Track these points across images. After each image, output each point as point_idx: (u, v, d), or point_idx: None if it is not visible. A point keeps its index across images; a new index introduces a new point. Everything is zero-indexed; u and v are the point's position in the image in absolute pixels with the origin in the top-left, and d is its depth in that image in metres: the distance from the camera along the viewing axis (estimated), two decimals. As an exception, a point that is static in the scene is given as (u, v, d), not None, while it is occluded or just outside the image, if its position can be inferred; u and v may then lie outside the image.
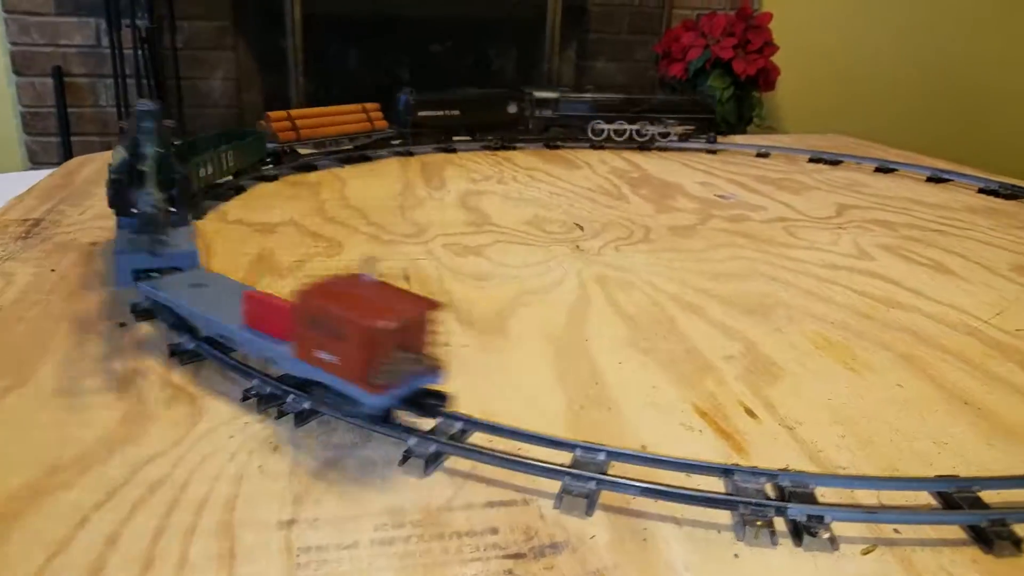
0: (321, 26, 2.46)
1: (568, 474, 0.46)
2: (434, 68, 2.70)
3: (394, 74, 2.65)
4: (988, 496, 0.48)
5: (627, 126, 1.57)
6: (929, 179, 1.37)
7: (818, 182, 1.32)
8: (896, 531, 0.45)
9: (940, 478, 0.48)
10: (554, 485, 0.46)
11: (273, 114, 1.32)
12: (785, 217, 1.09)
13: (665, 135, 1.59)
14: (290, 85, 2.44)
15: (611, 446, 0.49)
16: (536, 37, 2.65)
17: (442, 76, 2.69)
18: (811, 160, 1.49)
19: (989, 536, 0.43)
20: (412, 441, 0.48)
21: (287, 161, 1.26)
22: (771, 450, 0.52)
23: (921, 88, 2.86)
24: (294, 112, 1.35)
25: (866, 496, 0.48)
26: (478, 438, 0.51)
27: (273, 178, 1.17)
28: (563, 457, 0.48)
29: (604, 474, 0.46)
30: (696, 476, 0.48)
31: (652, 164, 1.43)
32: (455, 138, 1.49)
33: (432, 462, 0.47)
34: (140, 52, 2.32)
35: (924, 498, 0.48)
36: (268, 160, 1.24)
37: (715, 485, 0.48)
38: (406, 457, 0.47)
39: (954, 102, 2.87)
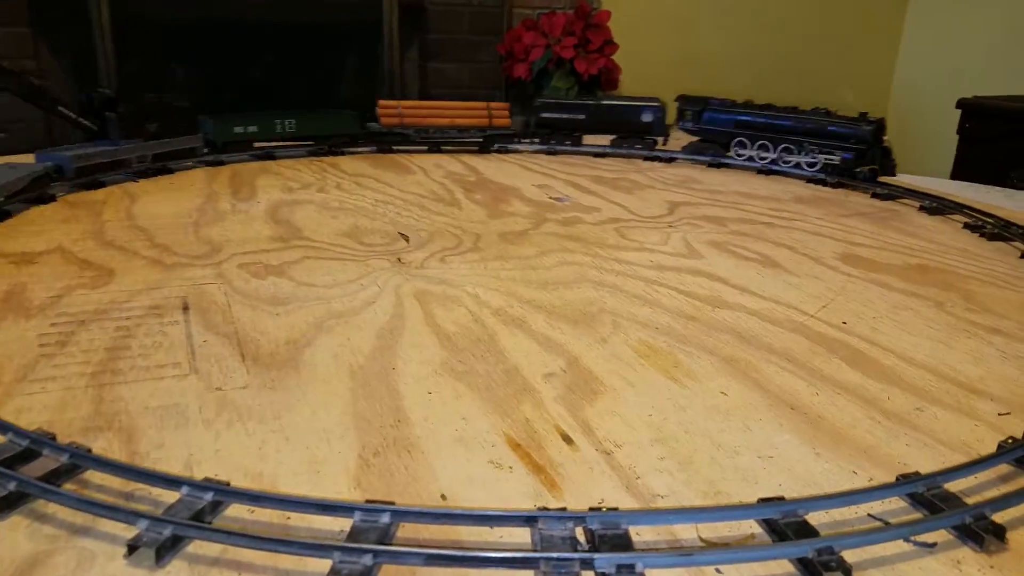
0: (135, 31, 2.25)
1: (339, 548, 0.37)
2: (265, 76, 2.54)
3: (220, 84, 2.46)
4: (816, 517, 0.44)
5: (770, 153, 1.37)
6: (760, 171, 1.38)
7: (652, 180, 1.31)
8: (718, 571, 0.40)
9: (764, 503, 0.44)
10: (324, 565, 0.38)
11: (383, 102, 1.48)
12: (618, 218, 1.06)
13: (812, 165, 1.35)
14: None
15: (401, 503, 0.42)
16: (374, 40, 2.55)
17: (276, 84, 2.53)
18: (647, 159, 1.48)
19: (817, 568, 0.39)
20: (142, 525, 0.38)
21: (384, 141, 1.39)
22: (586, 482, 0.46)
23: (753, 87, 2.98)
24: (405, 103, 1.50)
25: (686, 530, 0.43)
26: (237, 510, 0.42)
27: (51, 199, 1.02)
28: (342, 524, 0.40)
29: (386, 542, 0.39)
30: (500, 528, 0.42)
31: (490, 168, 1.37)
32: (521, 141, 1.54)
33: (168, 550, 0.38)
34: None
35: (748, 526, 0.43)
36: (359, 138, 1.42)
37: (521, 536, 0.41)
38: (132, 548, 0.38)
39: (792, 89, 3.00)
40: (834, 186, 1.30)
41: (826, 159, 1.33)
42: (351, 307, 0.70)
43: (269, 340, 0.63)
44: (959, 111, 2.23)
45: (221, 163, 1.26)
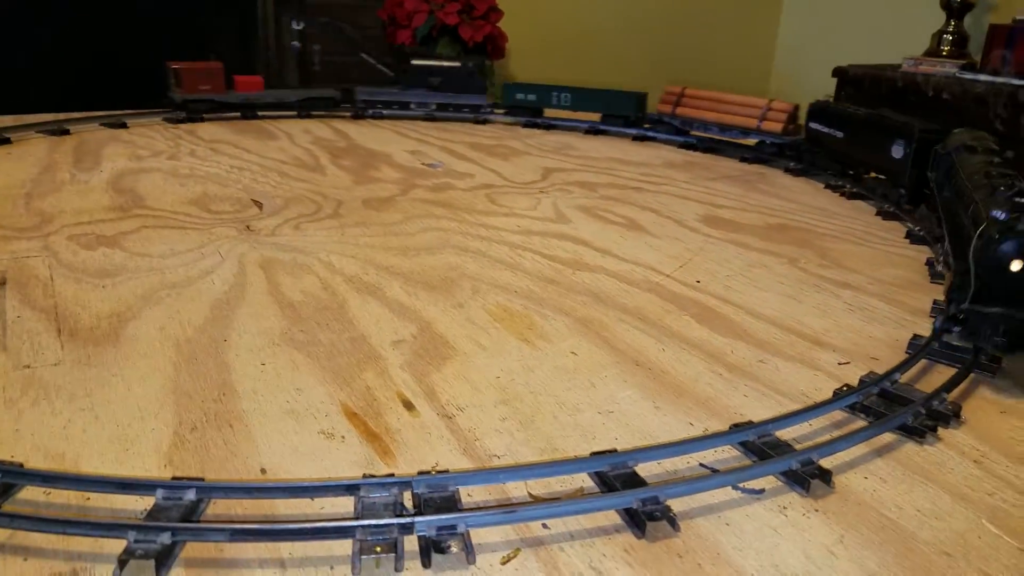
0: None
1: (134, 527, 0.35)
2: (130, 36, 2.37)
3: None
4: (649, 468, 0.44)
5: None
6: (635, 138, 1.40)
7: (529, 147, 1.30)
8: (544, 526, 0.39)
9: (595, 456, 0.43)
10: (119, 545, 0.35)
11: (669, 87, 1.44)
12: (490, 184, 1.04)
13: None
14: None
15: (212, 479, 0.39)
16: (245, 7, 2.42)
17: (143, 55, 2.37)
18: (526, 125, 1.47)
19: (642, 518, 0.39)
20: (-96, 515, 0.35)
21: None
22: (423, 447, 0.45)
23: (642, 47, 3.01)
24: (689, 90, 1.42)
25: (518, 488, 0.42)
26: (31, 492, 0.38)
27: None
28: (145, 503, 0.37)
29: (189, 520, 0.36)
30: (321, 499, 0.40)
31: (362, 133, 1.33)
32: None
33: (-64, 541, 0.34)
34: None
35: (580, 480, 0.43)
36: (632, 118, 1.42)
37: (344, 506, 0.39)
38: None
39: (673, 55, 3.04)
40: (704, 151, 1.32)
41: None
42: (186, 277, 0.66)
43: (90, 314, 0.58)
44: (835, 79, 2.32)
45: (66, 132, 1.17)
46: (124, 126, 1.23)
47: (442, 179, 1.06)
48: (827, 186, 1.13)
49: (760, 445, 0.46)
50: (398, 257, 0.75)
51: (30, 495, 0.38)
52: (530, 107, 1.49)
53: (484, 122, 1.49)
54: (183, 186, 0.93)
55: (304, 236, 0.79)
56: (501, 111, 1.52)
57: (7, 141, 1.09)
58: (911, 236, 0.90)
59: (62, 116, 1.22)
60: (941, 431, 0.49)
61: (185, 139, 1.19)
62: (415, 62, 1.52)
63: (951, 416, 0.50)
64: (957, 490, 0.44)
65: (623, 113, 1.44)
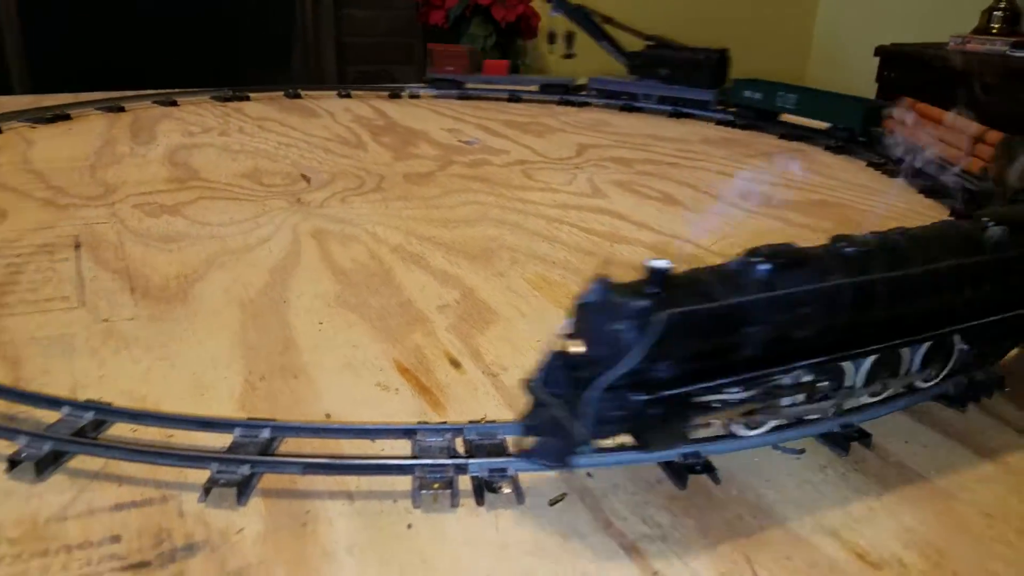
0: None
1: (216, 460, 0.39)
2: (177, 30, 2.43)
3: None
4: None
5: None
6: (671, 115, 1.41)
7: (563, 124, 1.32)
8: (589, 475, 0.42)
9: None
10: (203, 475, 0.39)
11: (920, 106, 1.12)
12: (525, 160, 1.07)
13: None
14: (10, 70, 2.09)
15: (282, 420, 0.43)
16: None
17: (188, 38, 2.43)
18: (560, 103, 1.49)
19: (683, 471, 0.42)
20: (22, 441, 0.39)
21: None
22: (470, 402, 0.48)
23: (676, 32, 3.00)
24: (923, 108, 1.12)
25: (560, 439, 0.45)
26: (120, 429, 0.42)
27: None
28: (224, 440, 0.41)
29: (265, 454, 0.40)
30: (381, 441, 0.43)
31: (400, 111, 1.36)
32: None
33: (49, 465, 0.38)
34: None
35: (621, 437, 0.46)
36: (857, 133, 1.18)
37: (401, 448, 0.43)
38: (13, 463, 0.38)
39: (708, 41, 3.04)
40: (743, 127, 1.33)
41: None
42: (245, 244, 0.70)
43: (160, 275, 0.62)
44: (878, 58, 2.26)
45: (121, 109, 1.22)
46: (175, 104, 1.28)
47: (478, 155, 1.09)
48: (868, 164, 1.13)
49: (796, 407, 0.49)
50: (439, 229, 0.78)
51: (118, 431, 0.42)
52: (756, 107, 1.34)
53: (518, 100, 1.52)
54: (235, 160, 0.97)
55: (351, 208, 0.83)
56: (725, 108, 1.40)
57: (67, 117, 1.14)
58: (955, 214, 0.91)
59: (115, 94, 1.27)
60: (984, 401, 0.50)
61: (233, 116, 1.23)
62: (646, 50, 1.47)
63: (993, 386, 0.51)
64: (999, 457, 0.45)
65: (848, 125, 1.21)
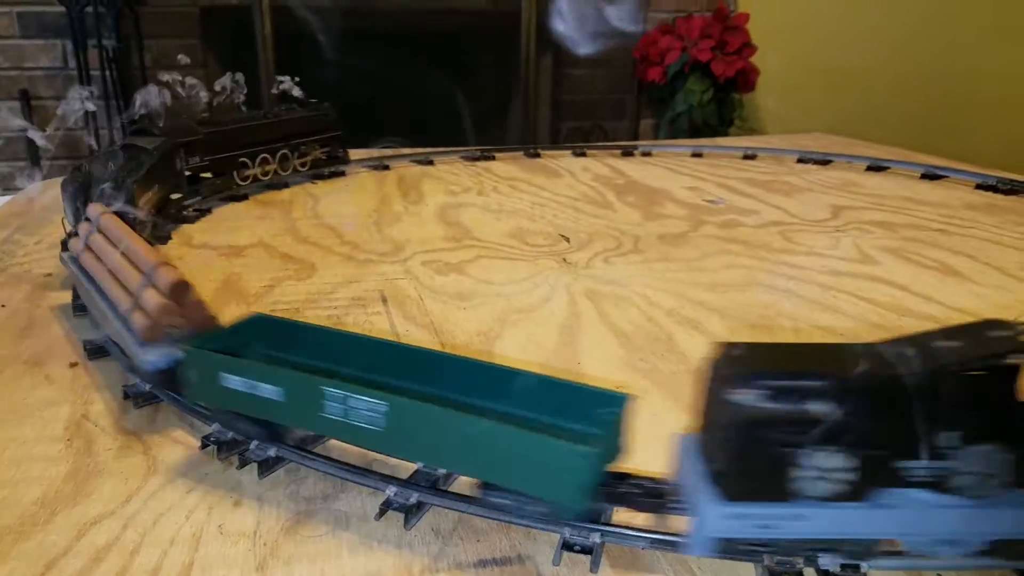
0: (294, 41, 2.40)
1: (569, 526, 0.40)
2: (407, 83, 2.64)
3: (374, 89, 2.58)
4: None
5: (271, 163, 1.14)
6: (924, 176, 1.33)
7: (809, 183, 1.28)
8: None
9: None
10: (553, 538, 0.40)
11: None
12: (779, 221, 1.05)
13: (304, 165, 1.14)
14: (262, 101, 2.38)
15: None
16: (510, 49, 2.60)
17: (416, 90, 2.63)
18: (799, 160, 1.45)
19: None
20: (391, 491, 0.43)
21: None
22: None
23: (902, 83, 2.84)
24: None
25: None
26: (462, 484, 0.45)
27: (242, 198, 1.11)
28: (564, 502, 0.43)
29: (609, 524, 0.41)
30: (711, 517, 0.43)
31: (636, 170, 1.38)
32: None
33: (413, 514, 0.42)
34: (108, 73, 2.25)
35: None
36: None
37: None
38: (383, 510, 0.42)
39: (935, 96, 2.85)
40: (1006, 192, 1.23)
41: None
42: (529, 303, 0.74)
43: (462, 331, 0.67)
44: None
45: (387, 167, 1.33)
46: (431, 163, 1.38)
47: (728, 216, 1.08)
48: None
49: None
50: (708, 293, 0.78)
51: (460, 487, 0.45)
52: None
53: (753, 157, 1.49)
54: (498, 220, 1.03)
55: (614, 269, 0.84)
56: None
57: (343, 174, 1.27)
58: None
59: (376, 153, 1.39)
60: None
61: (485, 176, 1.31)
62: None
63: None
64: None
65: None
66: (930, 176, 1.32)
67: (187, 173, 1.04)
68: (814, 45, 2.78)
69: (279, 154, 1.18)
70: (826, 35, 2.79)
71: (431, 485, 0.43)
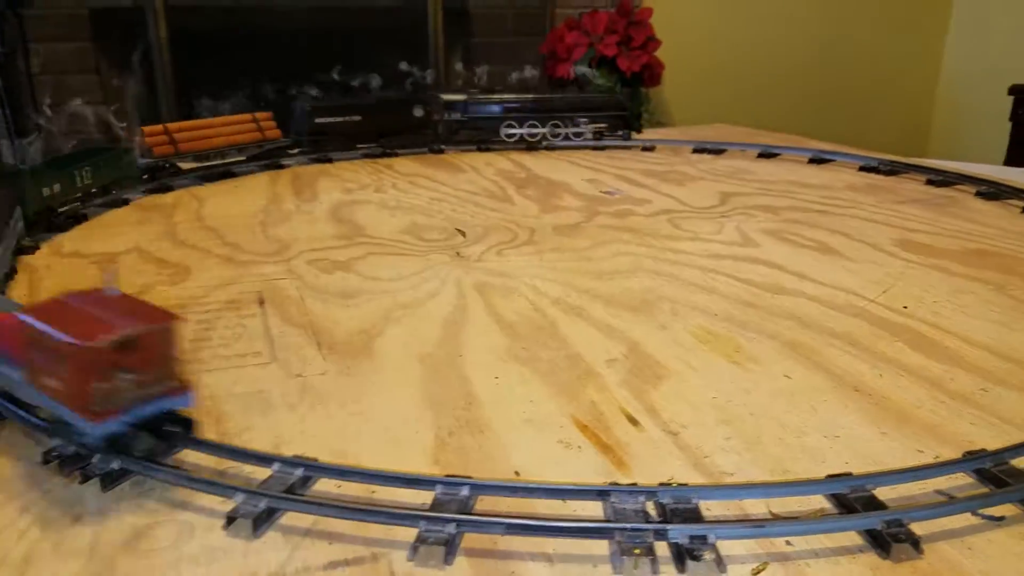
0: (189, 42, 2.32)
1: (424, 518, 0.40)
2: (310, 83, 2.59)
3: (278, 87, 2.52)
4: (884, 493, 0.44)
5: (540, 128, 1.52)
6: (811, 161, 1.38)
7: (702, 172, 1.31)
8: (788, 543, 0.41)
9: (832, 478, 0.44)
10: (410, 533, 0.40)
11: (147, 128, 1.25)
12: (670, 209, 1.07)
13: (579, 134, 1.54)
14: (160, 104, 2.29)
15: (478, 478, 0.44)
16: (418, 46, 2.58)
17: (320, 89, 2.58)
18: (695, 151, 1.48)
19: (886, 539, 0.40)
20: (239, 498, 0.41)
21: (163, 176, 1.17)
22: (654, 461, 0.48)
23: (796, 72, 2.94)
24: (171, 125, 1.27)
25: (756, 505, 0.44)
26: (325, 485, 0.44)
27: (124, 203, 1.07)
28: (424, 497, 0.42)
29: (467, 513, 0.41)
30: (572, 502, 0.43)
31: (539, 164, 1.39)
32: (359, 145, 1.43)
33: (263, 521, 0.40)
34: (-9, 78, 2.13)
35: (817, 502, 0.44)
36: (144, 175, 1.17)
37: (594, 510, 0.43)
38: (231, 519, 0.40)
39: (829, 83, 2.96)
40: (886, 173, 1.28)
41: (593, 128, 1.54)
42: (416, 299, 0.73)
43: (342, 330, 0.65)
44: (1012, 97, 2.18)
45: (281, 166, 1.30)
46: (330, 161, 1.35)
47: (622, 206, 1.09)
48: (1023, 211, 1.07)
49: (997, 473, 0.46)
50: (595, 281, 0.79)
51: (323, 487, 0.44)
52: None
53: (652, 148, 1.52)
54: (393, 216, 1.02)
55: (507, 261, 0.84)
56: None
57: (233, 175, 1.23)
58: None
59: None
60: None
61: (385, 173, 1.29)
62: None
63: None
64: None
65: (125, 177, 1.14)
66: (817, 160, 1.37)
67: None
68: (714, 37, 2.86)
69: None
70: (724, 27, 2.87)
71: (287, 488, 0.42)
